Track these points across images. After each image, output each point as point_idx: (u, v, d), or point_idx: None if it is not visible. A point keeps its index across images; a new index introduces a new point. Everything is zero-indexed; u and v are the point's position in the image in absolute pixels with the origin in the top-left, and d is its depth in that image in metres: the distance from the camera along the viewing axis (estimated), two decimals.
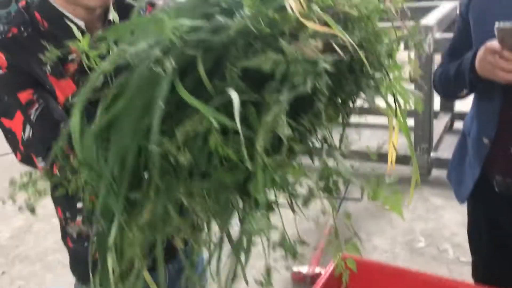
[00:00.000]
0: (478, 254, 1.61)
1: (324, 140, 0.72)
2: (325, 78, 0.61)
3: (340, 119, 0.75)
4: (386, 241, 2.87)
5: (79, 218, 1.12)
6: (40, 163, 1.00)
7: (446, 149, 3.61)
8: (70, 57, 1.02)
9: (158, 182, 0.61)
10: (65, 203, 1.14)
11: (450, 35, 2.38)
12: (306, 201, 0.68)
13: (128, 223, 0.64)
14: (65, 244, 1.26)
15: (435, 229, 2.94)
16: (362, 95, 0.74)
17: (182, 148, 0.59)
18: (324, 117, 0.65)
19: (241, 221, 0.66)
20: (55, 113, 1.02)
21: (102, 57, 0.72)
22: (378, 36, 0.69)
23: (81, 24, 1.07)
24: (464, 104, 2.81)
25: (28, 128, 1.01)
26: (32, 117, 1.00)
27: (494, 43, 1.17)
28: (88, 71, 0.73)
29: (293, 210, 0.70)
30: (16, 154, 1.06)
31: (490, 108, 1.35)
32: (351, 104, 0.75)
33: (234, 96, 0.58)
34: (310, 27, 0.62)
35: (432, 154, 3.53)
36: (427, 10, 3.66)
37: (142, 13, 1.14)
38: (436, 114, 3.99)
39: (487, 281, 1.37)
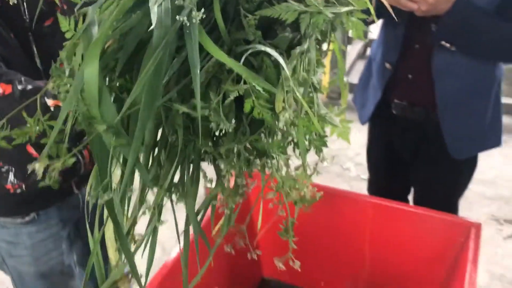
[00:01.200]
0: (374, 171, 1.77)
1: None
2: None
3: None
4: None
5: None
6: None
7: (358, 75, 3.77)
8: None
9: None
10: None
11: None
12: None
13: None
14: None
15: (340, 149, 3.14)
16: None
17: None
18: None
19: None
20: None
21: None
22: None
23: None
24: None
25: None
26: None
27: None
28: None
29: None
30: None
31: (394, 35, 1.42)
32: None
33: (275, 54, 0.56)
34: None
35: (344, 79, 3.67)
36: None
37: None
38: (350, 40, 4.11)
39: (379, 195, 1.51)
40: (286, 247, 1.38)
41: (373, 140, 1.72)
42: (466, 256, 1.06)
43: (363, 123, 1.69)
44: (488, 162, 2.98)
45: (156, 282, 1.02)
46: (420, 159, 1.59)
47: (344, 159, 3.04)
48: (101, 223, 0.68)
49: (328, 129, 0.77)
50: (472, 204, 2.62)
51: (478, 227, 1.14)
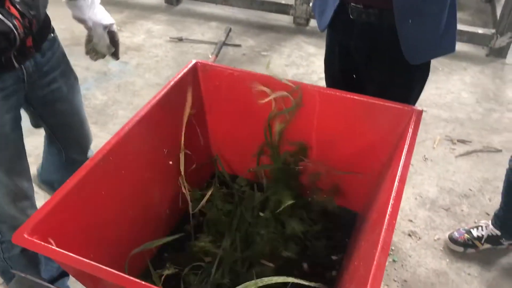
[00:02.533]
0: (331, 78, 1.80)
1: None
2: None
3: None
4: None
5: None
6: None
7: None
8: None
9: None
10: None
11: None
12: None
13: None
14: None
15: (305, 73, 3.16)
16: None
17: None
18: None
19: None
20: None
21: None
22: None
23: None
24: None
25: None
26: None
27: None
28: None
29: None
30: None
31: None
32: None
33: None
34: None
35: (311, 4, 3.64)
36: None
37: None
38: None
39: None
40: (237, 142, 1.41)
41: (331, 47, 1.74)
42: (405, 140, 1.11)
43: (322, 29, 1.70)
44: (447, 87, 3.06)
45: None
46: (375, 64, 1.62)
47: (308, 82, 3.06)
48: None
49: None
50: (428, 125, 2.70)
51: (419, 113, 1.18)
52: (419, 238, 2.05)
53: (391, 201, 0.95)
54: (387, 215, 0.91)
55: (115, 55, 1.43)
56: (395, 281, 1.86)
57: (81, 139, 1.55)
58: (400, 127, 1.19)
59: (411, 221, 2.12)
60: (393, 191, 0.97)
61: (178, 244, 1.28)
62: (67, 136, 1.50)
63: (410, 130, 1.14)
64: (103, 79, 3.03)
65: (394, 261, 1.93)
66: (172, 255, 1.28)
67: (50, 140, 1.54)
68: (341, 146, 1.29)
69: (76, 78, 1.46)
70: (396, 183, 0.99)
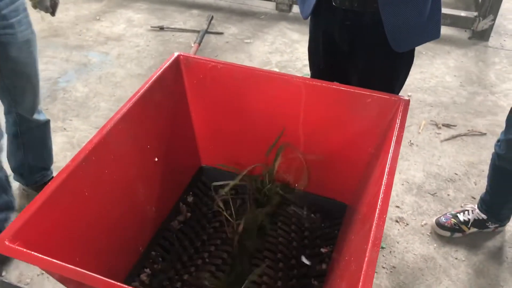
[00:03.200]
0: (315, 66, 1.78)
1: None
2: None
3: None
4: None
5: None
6: None
7: None
8: None
9: None
10: None
11: None
12: None
13: None
14: None
15: (289, 60, 3.13)
16: None
17: None
18: None
19: None
20: None
21: None
22: None
23: None
24: None
25: None
26: None
27: None
28: None
29: None
30: None
31: None
32: None
33: None
34: None
35: None
36: None
37: None
38: None
39: None
40: (222, 137, 1.39)
41: (314, 35, 1.71)
42: (393, 131, 1.10)
43: (305, 17, 1.67)
44: (431, 71, 3.06)
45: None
46: (359, 52, 1.60)
47: (292, 71, 3.04)
48: None
49: None
50: (413, 110, 2.71)
51: (406, 103, 1.17)
52: (407, 224, 2.06)
53: (381, 195, 0.94)
54: (377, 210, 0.90)
55: (52, 13, 1.65)
56: (383, 267, 1.87)
57: (29, 93, 1.67)
58: (388, 117, 1.17)
59: (398, 207, 2.13)
60: (383, 184, 0.96)
61: (165, 242, 1.26)
62: (16, 85, 1.62)
63: (398, 121, 1.13)
64: (84, 71, 2.97)
65: (382, 248, 1.94)
66: (159, 253, 1.25)
67: (3, 94, 1.66)
68: (329, 137, 1.27)
69: (33, 33, 1.58)
70: (385, 176, 0.98)
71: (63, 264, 0.82)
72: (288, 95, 1.24)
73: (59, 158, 2.19)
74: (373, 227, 0.87)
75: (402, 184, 2.24)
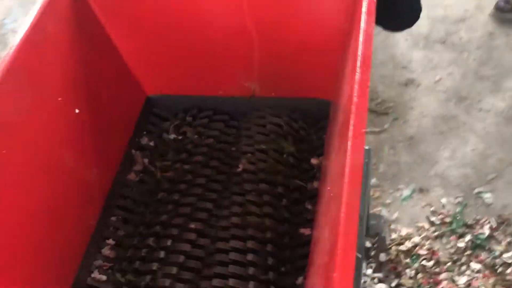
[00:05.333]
0: None
1: None
2: None
3: None
4: None
5: None
6: None
7: None
8: None
9: None
10: None
11: None
12: None
13: None
14: None
15: None
16: None
17: None
18: None
19: None
20: None
21: None
22: None
23: None
24: None
25: None
26: None
27: None
28: None
29: None
30: None
31: None
32: None
33: None
34: None
35: None
36: None
37: None
38: None
39: None
40: (169, 60, 1.12)
41: None
42: (360, 9, 0.81)
43: None
44: None
45: None
46: None
47: None
48: None
49: None
50: None
51: None
52: (418, 84, 1.79)
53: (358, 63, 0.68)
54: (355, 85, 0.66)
55: None
56: (400, 141, 1.65)
57: None
58: None
59: (405, 67, 1.85)
60: (359, 55, 0.70)
61: (125, 201, 1.04)
62: None
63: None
64: (30, 3, 2.62)
65: (395, 119, 1.70)
66: (120, 216, 1.02)
67: None
68: (287, 26, 0.98)
69: None
70: (360, 46, 0.72)
71: None
72: None
73: None
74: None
75: (406, 40, 1.93)
